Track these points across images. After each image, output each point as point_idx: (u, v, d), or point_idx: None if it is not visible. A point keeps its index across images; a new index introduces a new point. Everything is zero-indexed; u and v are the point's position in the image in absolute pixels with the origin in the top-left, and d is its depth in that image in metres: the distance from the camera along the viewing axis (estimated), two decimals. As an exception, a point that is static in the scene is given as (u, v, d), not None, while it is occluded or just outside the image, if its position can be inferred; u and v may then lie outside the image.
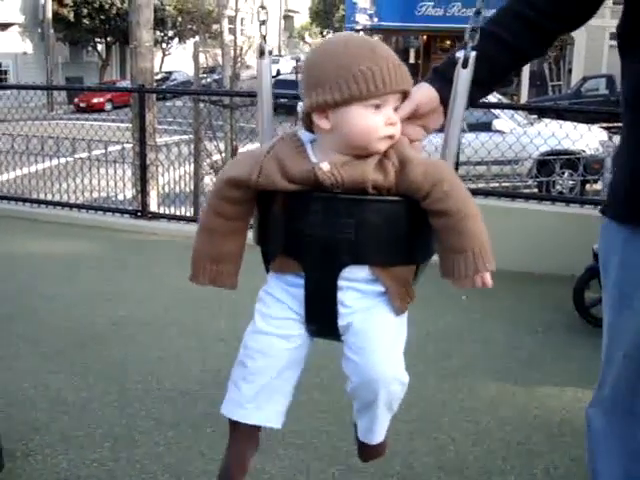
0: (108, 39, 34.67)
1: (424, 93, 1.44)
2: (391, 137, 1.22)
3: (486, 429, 2.75)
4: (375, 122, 1.19)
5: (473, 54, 1.36)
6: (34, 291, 4.24)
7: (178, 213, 7.46)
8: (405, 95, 1.30)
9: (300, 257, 1.26)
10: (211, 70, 37.86)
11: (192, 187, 8.23)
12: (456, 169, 1.56)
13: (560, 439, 2.69)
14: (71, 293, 4.24)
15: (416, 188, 1.20)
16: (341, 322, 1.26)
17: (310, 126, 1.27)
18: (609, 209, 1.56)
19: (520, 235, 4.50)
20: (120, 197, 7.38)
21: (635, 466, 1.66)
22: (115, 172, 6.93)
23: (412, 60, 29.26)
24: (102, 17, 32.63)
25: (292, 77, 34.60)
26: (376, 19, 13.52)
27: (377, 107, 1.20)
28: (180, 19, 36.10)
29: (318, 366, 2.95)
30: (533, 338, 3.72)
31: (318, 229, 1.21)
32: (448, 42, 28.32)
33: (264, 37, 1.48)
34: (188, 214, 7.88)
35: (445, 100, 1.45)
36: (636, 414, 1.61)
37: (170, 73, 37.19)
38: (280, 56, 47.99)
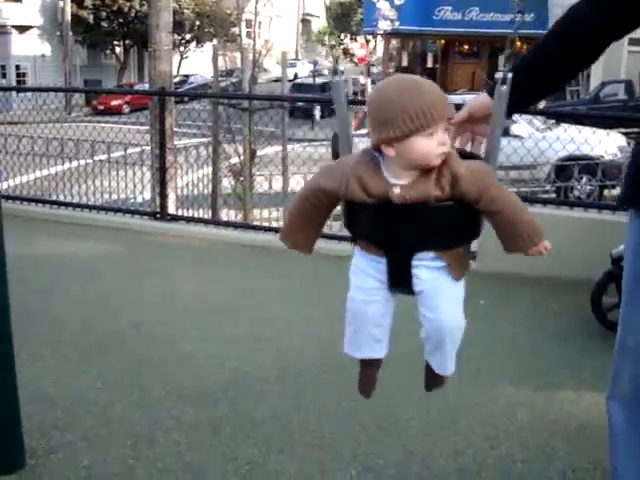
0: (126, 42, 34.84)
1: (479, 100, 1.70)
2: (443, 154, 1.51)
3: (504, 433, 2.76)
4: (431, 146, 1.49)
5: (510, 75, 1.58)
6: (55, 292, 4.29)
7: (196, 215, 7.54)
8: (450, 117, 1.54)
9: (381, 246, 1.62)
10: (228, 73, 38.02)
11: (210, 190, 8.26)
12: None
13: (578, 443, 2.69)
14: (91, 294, 4.29)
15: (467, 196, 1.52)
16: (416, 289, 1.63)
17: (379, 150, 1.55)
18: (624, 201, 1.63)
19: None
20: (139, 199, 7.44)
21: None
22: (134, 174, 7.00)
23: (430, 64, 29.29)
24: (120, 20, 32.78)
25: (309, 81, 34.73)
26: (397, 23, 13.56)
27: (431, 134, 1.49)
28: (198, 22, 36.26)
29: (339, 367, 2.99)
30: (551, 343, 3.72)
31: (393, 231, 1.58)
32: (466, 47, 28.34)
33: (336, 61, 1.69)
34: (206, 216, 7.95)
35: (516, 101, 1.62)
36: None
37: (188, 76, 37.35)
38: (297, 59, 48.11)
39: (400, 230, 1.57)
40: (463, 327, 1.69)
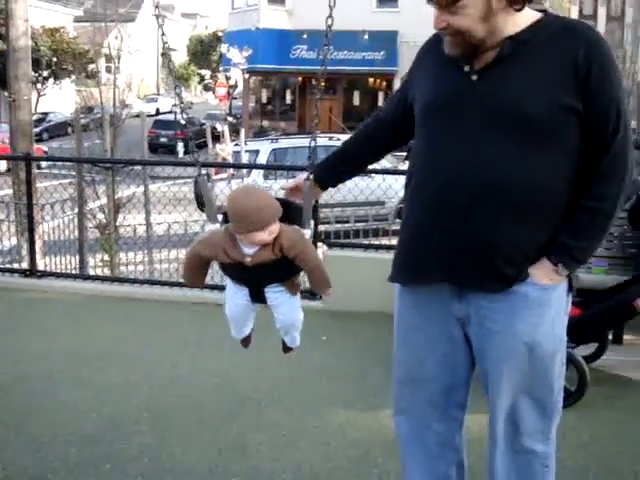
0: (-21, 80, 33.80)
1: (299, 179, 2.49)
2: (272, 237, 2.30)
3: (335, 449, 3.44)
4: (264, 236, 2.27)
5: (312, 176, 2.46)
6: None
7: (64, 262, 7.89)
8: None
9: (244, 283, 2.46)
10: (89, 110, 37.51)
11: (77, 245, 8.61)
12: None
13: (394, 451, 3.39)
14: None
15: (290, 256, 2.30)
16: (269, 303, 2.47)
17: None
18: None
19: (373, 280, 5.25)
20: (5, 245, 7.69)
21: (430, 463, 2.39)
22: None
23: (289, 100, 30.38)
24: (-27, 57, 31.85)
25: (171, 117, 35.00)
26: (245, 70, 14.45)
27: (264, 229, 2.25)
28: (55, 59, 35.73)
29: (197, 405, 3.57)
30: (379, 370, 4.45)
31: (248, 278, 2.41)
32: (323, 83, 29.59)
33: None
34: (73, 265, 8.31)
35: (319, 182, 2.50)
36: (428, 420, 2.33)
37: (46, 114, 36.63)
38: (159, 94, 48.13)
39: (253, 277, 2.39)
40: (301, 319, 2.55)
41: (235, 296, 2.55)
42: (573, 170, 2.07)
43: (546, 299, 2.12)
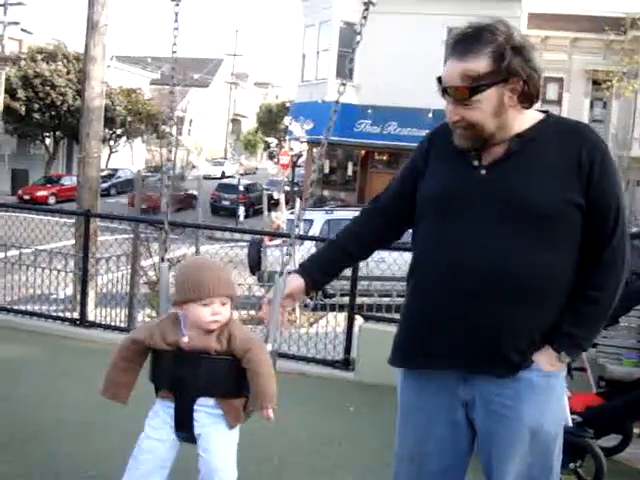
0: (57, 134, 35.34)
1: (295, 283, 2.37)
2: (217, 322, 2.09)
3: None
4: (204, 313, 2.06)
5: (284, 274, 2.34)
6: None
7: (113, 319, 8.16)
8: (231, 296, 2.18)
9: (172, 391, 2.14)
10: (156, 169, 38.82)
11: (127, 299, 8.89)
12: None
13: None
14: (16, 395, 4.87)
15: (237, 353, 2.09)
16: (196, 432, 2.12)
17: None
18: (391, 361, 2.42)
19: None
20: (61, 295, 8.02)
21: None
22: (58, 272, 7.54)
23: (350, 172, 30.87)
24: (52, 112, 33.38)
25: (234, 181, 35.92)
26: (305, 144, 14.84)
27: (205, 305, 2.07)
28: (129, 118, 37.22)
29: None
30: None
31: (181, 375, 2.09)
32: (384, 157, 30.05)
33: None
34: (122, 324, 8.55)
35: (309, 285, 2.39)
36: None
37: (116, 170, 38.05)
38: (225, 159, 49.45)
39: (187, 375, 2.07)
40: (232, 472, 2.11)
41: (157, 419, 2.19)
42: (575, 261, 2.19)
43: (551, 385, 2.22)
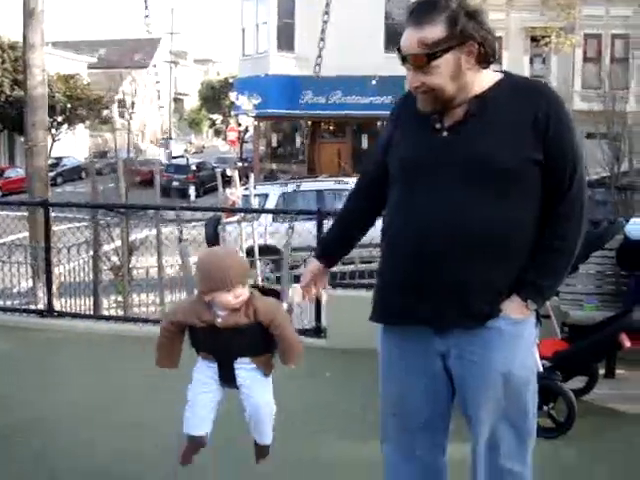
0: (-3, 125, 34.51)
1: (312, 266, 2.60)
2: (240, 302, 2.40)
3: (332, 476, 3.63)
4: (228, 298, 2.38)
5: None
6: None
7: (78, 308, 8.17)
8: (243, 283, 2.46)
9: (214, 355, 2.51)
10: (102, 155, 38.21)
11: (91, 287, 8.87)
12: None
13: None
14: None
15: (263, 322, 2.41)
16: (238, 383, 2.52)
17: None
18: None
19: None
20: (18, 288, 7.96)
21: None
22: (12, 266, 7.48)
23: (298, 144, 30.86)
24: (-10, 104, 32.57)
25: (183, 161, 35.59)
26: (254, 116, 14.74)
27: (228, 291, 2.37)
28: (69, 105, 36.50)
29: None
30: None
31: (219, 346, 2.47)
32: (331, 127, 30.10)
33: None
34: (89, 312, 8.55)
35: (328, 266, 2.64)
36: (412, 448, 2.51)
37: (60, 159, 37.32)
38: (171, 139, 48.87)
39: (224, 344, 2.44)
40: (273, 410, 2.53)
41: (203, 379, 2.55)
42: (537, 213, 2.31)
43: (519, 332, 2.35)
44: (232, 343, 2.43)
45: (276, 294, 2.66)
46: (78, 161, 39.55)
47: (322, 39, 2.53)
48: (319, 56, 2.61)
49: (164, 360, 2.57)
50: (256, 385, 2.49)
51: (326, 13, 2.55)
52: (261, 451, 2.67)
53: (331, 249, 2.69)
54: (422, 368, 2.43)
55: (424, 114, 2.32)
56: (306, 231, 6.17)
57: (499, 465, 2.43)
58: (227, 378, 2.50)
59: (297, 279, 2.63)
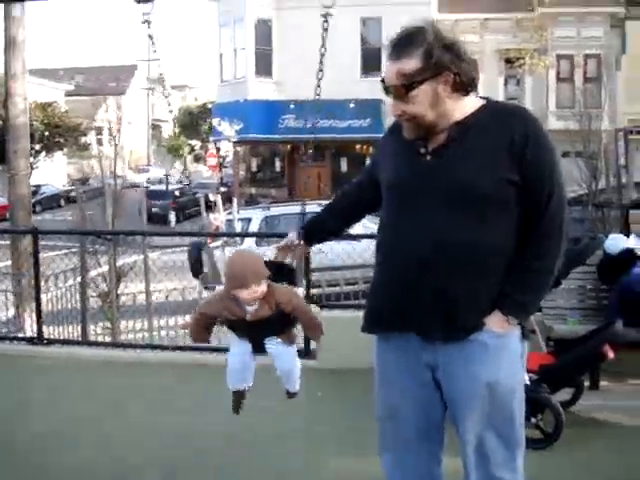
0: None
1: (289, 238, 2.92)
2: (254, 297, 2.71)
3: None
4: (251, 296, 2.69)
5: (299, 246, 2.94)
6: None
7: (64, 334, 8.17)
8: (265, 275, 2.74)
9: (247, 338, 2.90)
10: (83, 182, 38.06)
11: (79, 314, 8.88)
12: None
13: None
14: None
15: (285, 310, 2.74)
16: (269, 351, 2.90)
17: None
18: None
19: (363, 338, 5.55)
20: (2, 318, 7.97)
21: None
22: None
23: (278, 168, 31.02)
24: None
25: (162, 187, 35.54)
26: (235, 140, 14.83)
27: (246, 288, 2.67)
28: (47, 133, 36.40)
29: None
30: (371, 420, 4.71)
31: (250, 333, 2.87)
32: (310, 151, 30.27)
33: None
34: (75, 332, 8.57)
35: (306, 237, 2.92)
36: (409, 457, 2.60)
37: (38, 186, 37.09)
38: (149, 165, 48.90)
39: (255, 332, 2.83)
40: (299, 367, 3.03)
41: (239, 347, 2.95)
42: (516, 233, 2.43)
43: (504, 344, 2.46)
44: (262, 330, 2.83)
45: (290, 270, 2.97)
46: (57, 189, 39.40)
47: (321, 70, 2.71)
48: (318, 85, 2.80)
49: (197, 339, 2.97)
50: (284, 353, 2.91)
51: (322, 46, 2.69)
52: (291, 396, 3.15)
53: (312, 227, 2.97)
54: (413, 378, 2.54)
55: (410, 140, 2.46)
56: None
57: (489, 474, 2.51)
58: (259, 350, 2.91)
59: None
